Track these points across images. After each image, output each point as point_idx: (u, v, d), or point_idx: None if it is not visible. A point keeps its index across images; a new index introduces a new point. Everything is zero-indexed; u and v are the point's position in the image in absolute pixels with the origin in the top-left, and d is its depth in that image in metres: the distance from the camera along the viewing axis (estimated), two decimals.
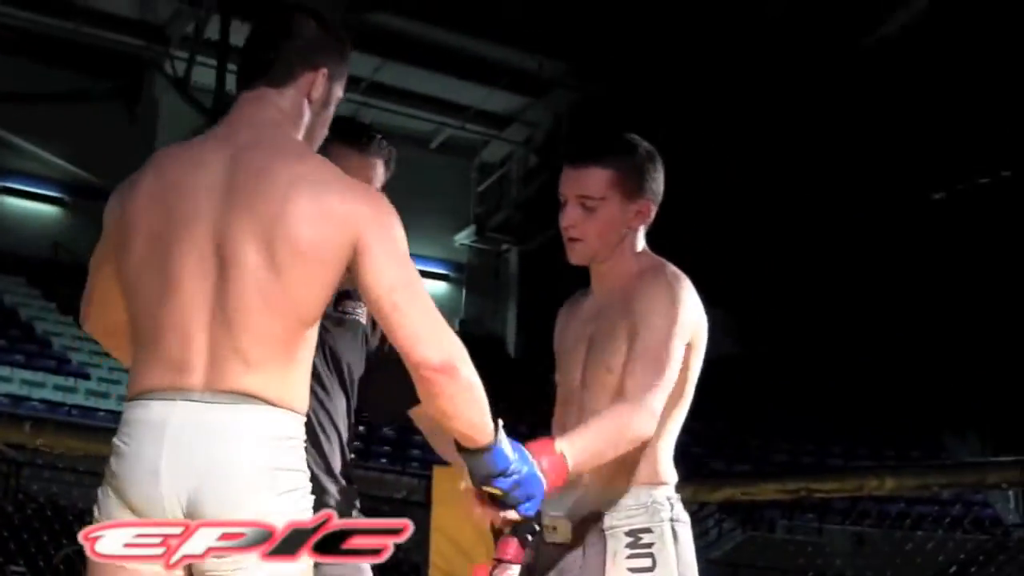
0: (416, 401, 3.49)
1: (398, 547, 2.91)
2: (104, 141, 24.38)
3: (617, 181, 3.35)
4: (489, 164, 30.61)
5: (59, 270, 23.49)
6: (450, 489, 4.92)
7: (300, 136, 2.84)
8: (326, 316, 3.40)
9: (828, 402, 25.26)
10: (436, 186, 27.49)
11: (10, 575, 9.89)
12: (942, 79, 20.79)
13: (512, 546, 3.37)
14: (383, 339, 3.66)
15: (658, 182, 3.45)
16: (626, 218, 3.39)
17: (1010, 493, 22.78)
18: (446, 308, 26.27)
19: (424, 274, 18.42)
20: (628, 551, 3.30)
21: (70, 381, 20.25)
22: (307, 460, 3.13)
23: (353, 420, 3.74)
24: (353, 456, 3.67)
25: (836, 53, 20.86)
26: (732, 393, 24.16)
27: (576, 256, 3.42)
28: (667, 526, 3.32)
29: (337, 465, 3.57)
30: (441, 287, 30.09)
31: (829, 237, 24.76)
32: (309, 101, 2.83)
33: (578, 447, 3.08)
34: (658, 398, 3.24)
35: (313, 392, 3.28)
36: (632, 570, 3.28)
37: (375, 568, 3.45)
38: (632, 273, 3.42)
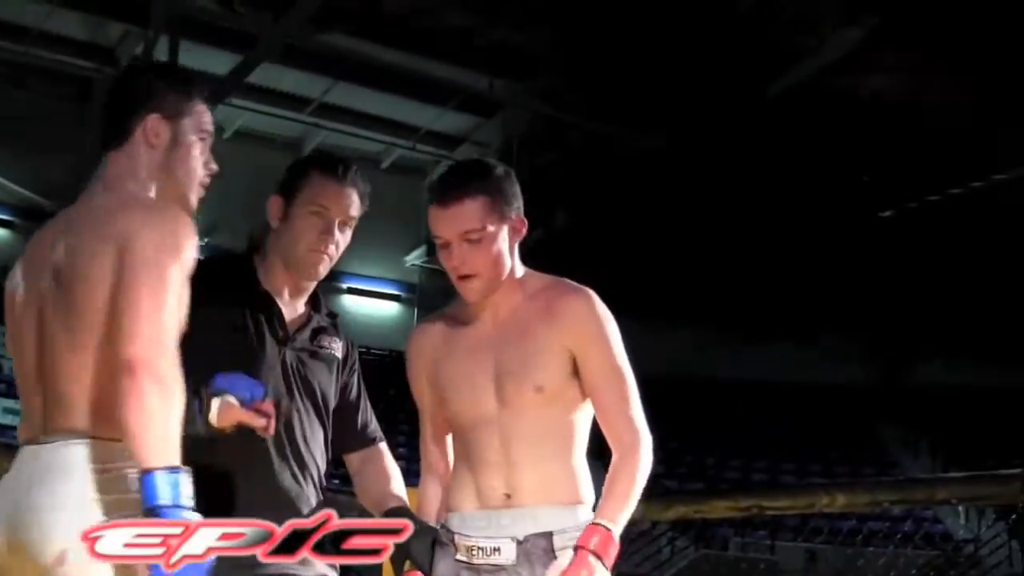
0: (351, 448, 3.79)
1: (350, 569, 2.95)
2: (54, 163, 24.12)
3: (491, 207, 3.39)
4: None
5: None
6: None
7: (151, 184, 2.93)
8: (303, 349, 3.65)
9: (780, 420, 25.44)
10: (387, 206, 24.41)
11: None
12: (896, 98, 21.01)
13: None
14: (348, 379, 3.81)
15: (519, 196, 3.50)
16: (507, 240, 3.44)
17: (960, 508, 22.61)
18: (399, 330, 28.26)
19: (376, 295, 18.22)
20: None
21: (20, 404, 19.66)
22: (280, 485, 3.47)
23: (329, 450, 3.74)
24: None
25: (777, 72, 21.12)
26: (685, 412, 24.25)
27: (475, 294, 3.44)
28: None
29: (311, 493, 3.60)
30: (393, 308, 30.15)
31: (782, 255, 24.79)
32: (152, 147, 2.93)
33: (618, 514, 3.30)
34: (646, 426, 3.41)
35: (291, 422, 3.50)
36: None
37: None
38: (531, 290, 3.51)
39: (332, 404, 3.78)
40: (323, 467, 3.71)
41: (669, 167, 23.44)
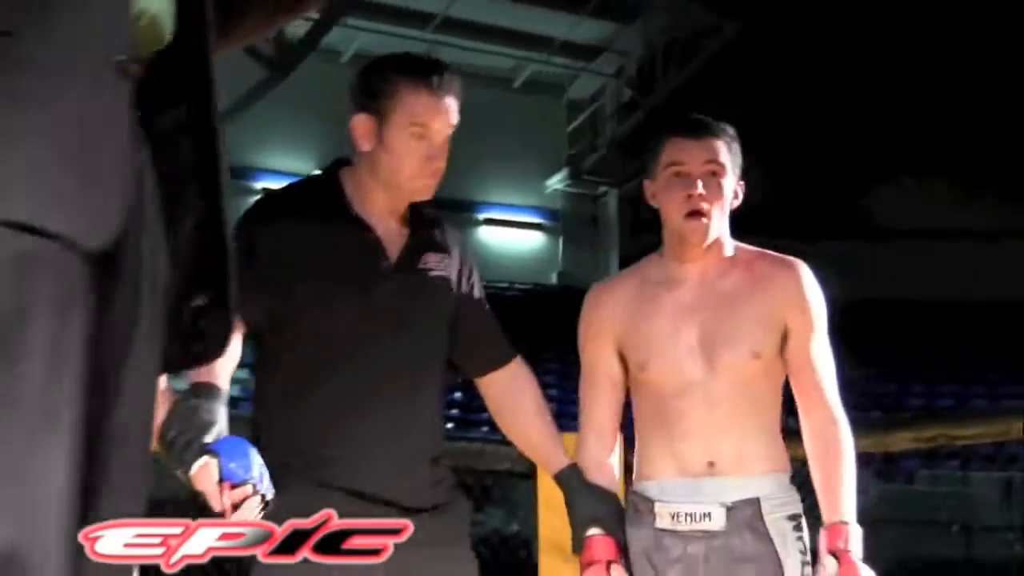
0: (481, 372, 3.80)
1: (509, 522, 3.10)
2: None
3: (731, 154, 3.61)
4: (579, 101, 30.04)
5: None
6: None
7: None
8: (408, 276, 3.60)
9: (966, 340, 25.29)
10: (522, 128, 27.79)
11: None
12: None
13: (603, 545, 3.64)
14: (466, 295, 3.75)
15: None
16: (732, 194, 3.65)
17: None
18: (543, 261, 29.65)
19: (517, 224, 18.43)
20: (794, 535, 3.58)
21: None
22: (387, 427, 3.45)
23: (444, 384, 3.78)
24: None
25: None
26: (862, 335, 24.04)
27: (701, 234, 3.58)
28: (802, 511, 3.63)
29: (422, 433, 3.61)
30: (536, 238, 30.20)
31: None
32: None
33: (850, 506, 3.52)
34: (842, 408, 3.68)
35: (397, 361, 3.53)
36: (800, 552, 3.57)
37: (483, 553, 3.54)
38: (742, 259, 3.70)
39: (445, 331, 3.75)
40: (438, 403, 3.75)
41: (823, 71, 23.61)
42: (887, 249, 26.88)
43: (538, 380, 4.00)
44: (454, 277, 3.75)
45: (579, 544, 3.72)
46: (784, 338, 3.65)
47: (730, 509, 3.58)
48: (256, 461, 3.26)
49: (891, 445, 5.98)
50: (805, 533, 3.61)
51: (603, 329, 3.77)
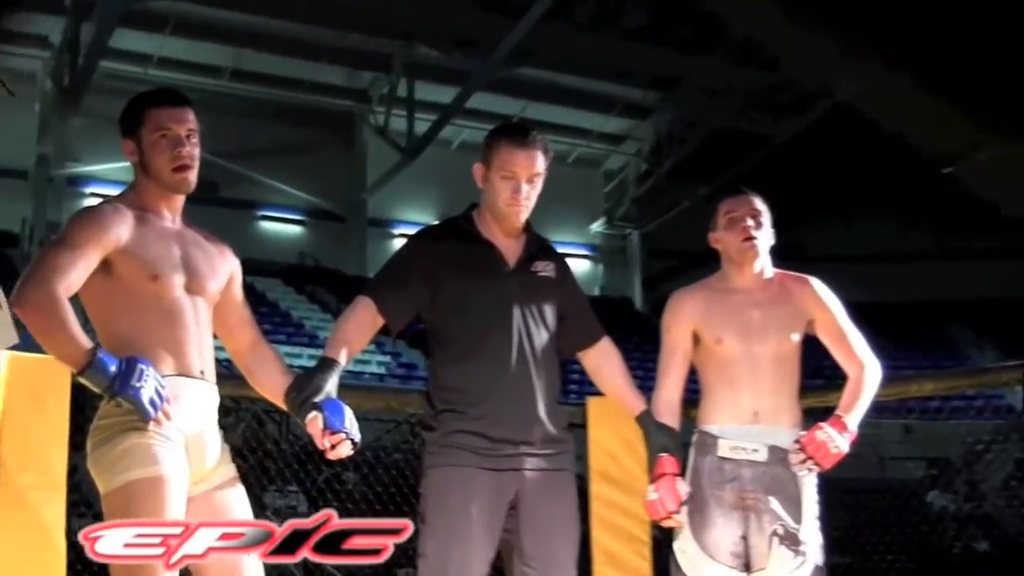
0: (582, 346, 4.28)
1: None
2: (330, 177, 29.62)
3: (766, 208, 4.25)
4: (611, 171, 33.83)
5: (305, 272, 28.68)
6: (601, 412, 5.07)
7: (138, 184, 3.45)
8: (524, 277, 4.08)
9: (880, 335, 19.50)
10: (574, 191, 29.77)
11: (288, 493, 11.68)
12: None
13: (670, 463, 4.12)
14: (567, 291, 4.20)
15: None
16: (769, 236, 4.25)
17: (1019, 387, 18.25)
18: (588, 279, 31.89)
19: (569, 255, 23.99)
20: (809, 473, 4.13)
21: (319, 352, 19.77)
22: (518, 381, 3.95)
23: (556, 352, 4.16)
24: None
25: None
26: None
27: (752, 257, 4.19)
28: None
29: (545, 385, 4.05)
30: (584, 264, 33.07)
31: None
32: (131, 162, 3.42)
33: (856, 417, 4.03)
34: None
35: (526, 331, 4.04)
36: (812, 482, 4.12)
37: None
38: (778, 274, 4.30)
39: (554, 316, 4.03)
40: (553, 365, 4.04)
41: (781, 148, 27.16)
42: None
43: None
44: (555, 276, 4.10)
45: (652, 463, 4.13)
46: (810, 326, 4.16)
47: (771, 448, 4.00)
48: (349, 415, 3.61)
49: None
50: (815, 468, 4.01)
51: (685, 317, 4.21)
